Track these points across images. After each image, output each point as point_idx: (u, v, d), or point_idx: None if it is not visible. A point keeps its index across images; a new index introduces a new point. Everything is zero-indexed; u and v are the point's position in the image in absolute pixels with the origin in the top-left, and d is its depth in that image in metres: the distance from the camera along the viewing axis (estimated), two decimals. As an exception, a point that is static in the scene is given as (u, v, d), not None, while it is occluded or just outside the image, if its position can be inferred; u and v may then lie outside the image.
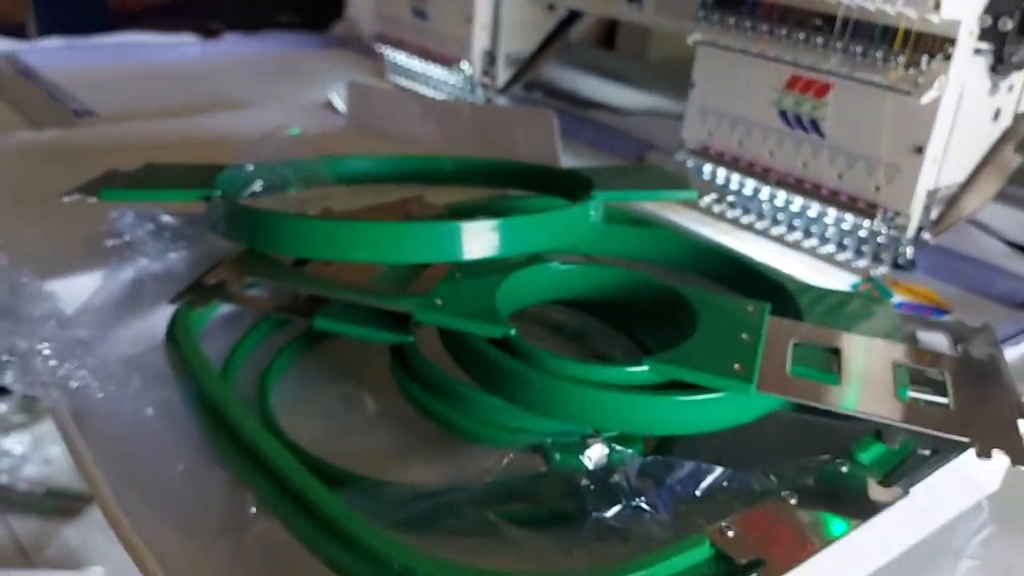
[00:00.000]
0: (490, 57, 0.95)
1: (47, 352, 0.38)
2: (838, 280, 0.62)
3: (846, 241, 0.64)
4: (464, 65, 0.94)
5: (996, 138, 0.64)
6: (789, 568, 0.31)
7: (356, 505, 0.33)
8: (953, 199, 0.63)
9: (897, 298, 0.60)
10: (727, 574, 0.31)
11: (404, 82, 1.04)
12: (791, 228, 0.67)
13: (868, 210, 0.61)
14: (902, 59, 0.56)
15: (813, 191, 0.64)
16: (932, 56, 0.56)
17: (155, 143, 0.80)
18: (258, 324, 0.49)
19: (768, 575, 0.30)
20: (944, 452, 0.37)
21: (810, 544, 0.32)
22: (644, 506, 0.34)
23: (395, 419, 0.44)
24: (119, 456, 0.37)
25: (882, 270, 0.63)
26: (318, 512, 0.33)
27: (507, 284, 0.43)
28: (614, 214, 0.58)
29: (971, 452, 0.35)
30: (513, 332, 0.39)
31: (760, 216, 0.69)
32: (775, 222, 0.68)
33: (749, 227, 0.69)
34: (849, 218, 0.62)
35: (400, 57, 1.02)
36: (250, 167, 0.55)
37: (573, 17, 0.96)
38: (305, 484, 0.34)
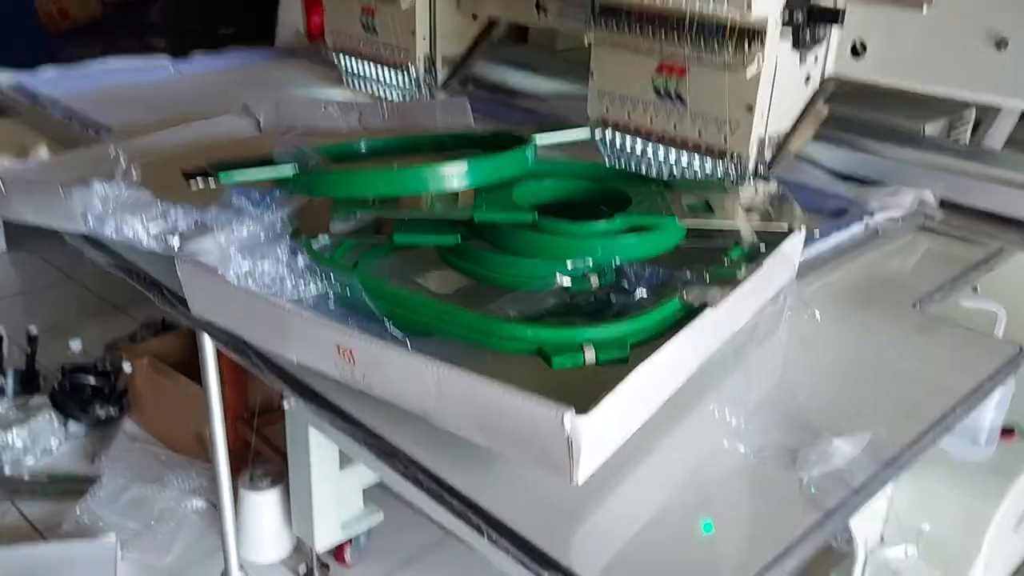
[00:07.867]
0: (430, 60, 1.17)
1: None
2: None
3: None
4: (411, 68, 1.15)
5: (810, 96, 0.88)
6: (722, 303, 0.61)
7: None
8: (782, 142, 0.88)
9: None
10: (687, 314, 0.61)
11: (358, 84, 1.25)
12: (671, 175, 0.90)
13: (720, 155, 0.85)
14: (731, 46, 0.80)
15: (682, 144, 0.87)
16: (752, 42, 0.79)
17: (161, 150, 0.98)
18: (339, 246, 0.76)
19: (711, 305, 0.61)
20: (772, 246, 0.69)
21: (726, 293, 0.62)
22: (640, 293, 0.64)
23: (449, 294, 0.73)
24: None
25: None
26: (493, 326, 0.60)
27: (515, 193, 0.74)
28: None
29: (787, 241, 0.70)
30: (536, 216, 0.70)
31: (649, 167, 0.92)
32: (660, 171, 0.91)
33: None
34: (709, 162, 0.86)
35: (354, 64, 1.23)
36: (306, 149, 0.77)
37: (493, 23, 1.18)
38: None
